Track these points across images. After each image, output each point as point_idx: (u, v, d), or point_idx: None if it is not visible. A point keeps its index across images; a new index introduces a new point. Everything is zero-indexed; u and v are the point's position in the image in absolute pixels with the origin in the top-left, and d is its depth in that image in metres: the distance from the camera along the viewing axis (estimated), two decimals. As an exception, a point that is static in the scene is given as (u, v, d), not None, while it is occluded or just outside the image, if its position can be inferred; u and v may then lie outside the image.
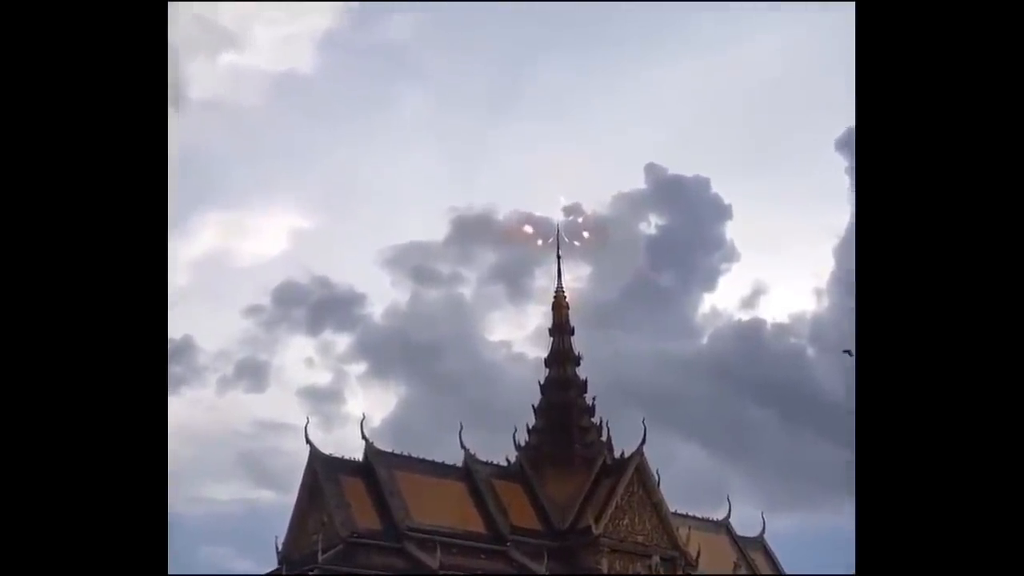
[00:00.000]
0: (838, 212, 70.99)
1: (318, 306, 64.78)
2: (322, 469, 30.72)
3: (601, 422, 35.13)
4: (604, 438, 34.71)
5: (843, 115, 78.27)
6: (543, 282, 39.94)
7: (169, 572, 10.98)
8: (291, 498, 31.70)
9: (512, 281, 60.22)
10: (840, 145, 63.08)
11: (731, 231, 65.87)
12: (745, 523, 37.78)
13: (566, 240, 37.96)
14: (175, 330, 67.46)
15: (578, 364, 36.06)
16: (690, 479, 52.80)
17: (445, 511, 31.24)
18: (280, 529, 31.25)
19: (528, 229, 40.10)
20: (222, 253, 70.97)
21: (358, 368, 76.15)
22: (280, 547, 30.77)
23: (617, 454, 34.11)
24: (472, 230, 59.57)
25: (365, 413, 33.94)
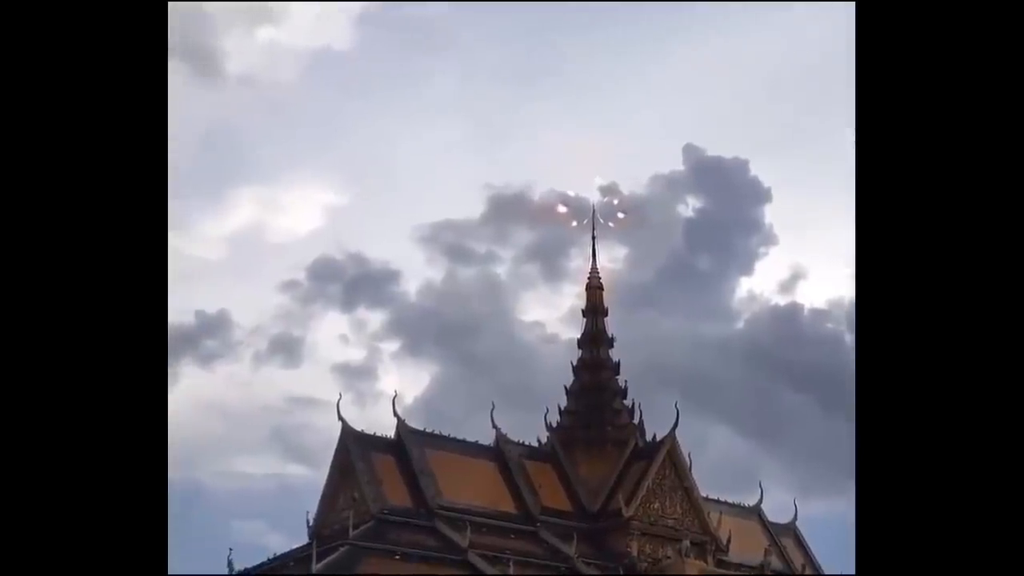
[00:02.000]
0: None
1: (353, 282, 64.94)
2: (354, 446, 30.78)
3: (634, 404, 34.98)
4: (636, 421, 34.54)
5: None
6: (578, 262, 39.70)
7: (202, 544, 11.05)
8: (323, 474, 31.88)
9: (547, 261, 60.01)
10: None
11: (770, 214, 65.17)
12: (777, 509, 37.60)
13: (601, 221, 37.73)
14: (211, 304, 68.01)
15: (611, 346, 35.88)
16: (723, 464, 52.67)
17: (476, 490, 31.27)
18: (311, 504, 31.41)
19: (563, 209, 39.83)
20: (257, 228, 71.15)
21: (392, 346, 76.40)
22: (311, 522, 30.85)
23: (649, 437, 33.96)
24: (508, 208, 59.35)
25: (397, 391, 33.67)
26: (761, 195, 63.63)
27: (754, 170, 63.07)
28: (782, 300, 67.54)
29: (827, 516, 46.31)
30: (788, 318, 62.76)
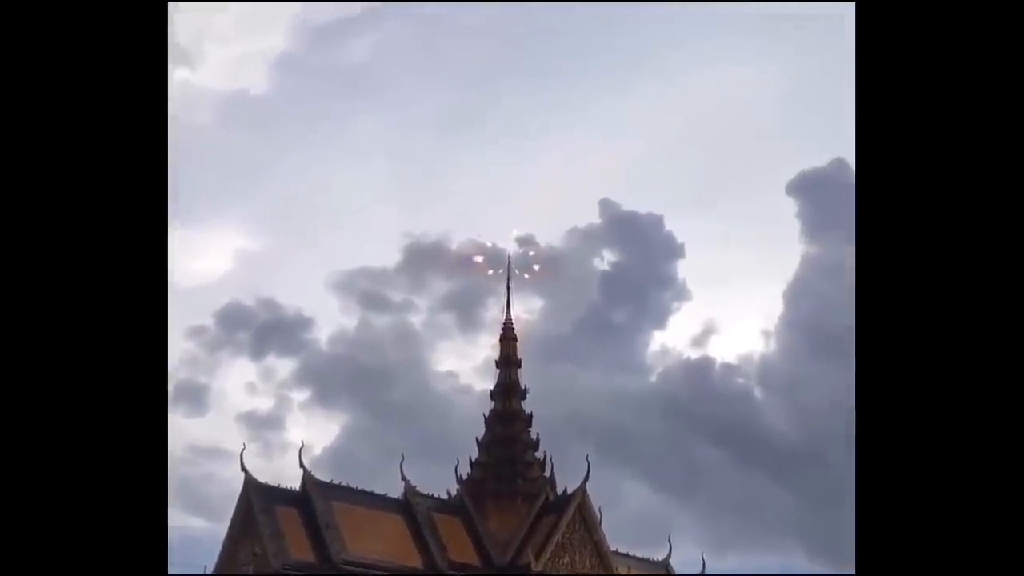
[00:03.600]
0: (788, 255, 71.58)
1: (263, 329, 63.99)
2: (256, 498, 30.00)
3: (545, 457, 34.80)
4: (548, 474, 34.35)
5: (795, 159, 79.26)
6: (494, 313, 39.51)
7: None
8: (224, 527, 30.95)
9: (464, 311, 59.87)
10: (791, 189, 63.85)
11: (683, 270, 66.01)
12: (688, 563, 37.49)
13: (516, 272, 37.68)
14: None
15: (524, 397, 35.70)
16: (636, 517, 52.56)
17: (382, 545, 30.62)
18: (211, 558, 30.46)
19: (478, 258, 39.71)
20: (166, 272, 69.55)
21: (301, 395, 75.05)
22: (210, 577, 30.01)
23: (562, 490, 33.76)
24: (425, 257, 59.21)
25: (305, 441, 33.07)
26: (675, 250, 64.54)
27: (668, 225, 63.97)
28: (694, 354, 68.03)
29: (741, 570, 46.50)
30: (700, 372, 63.47)
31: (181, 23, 61.88)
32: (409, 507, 32.24)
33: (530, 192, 66.45)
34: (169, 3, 11.49)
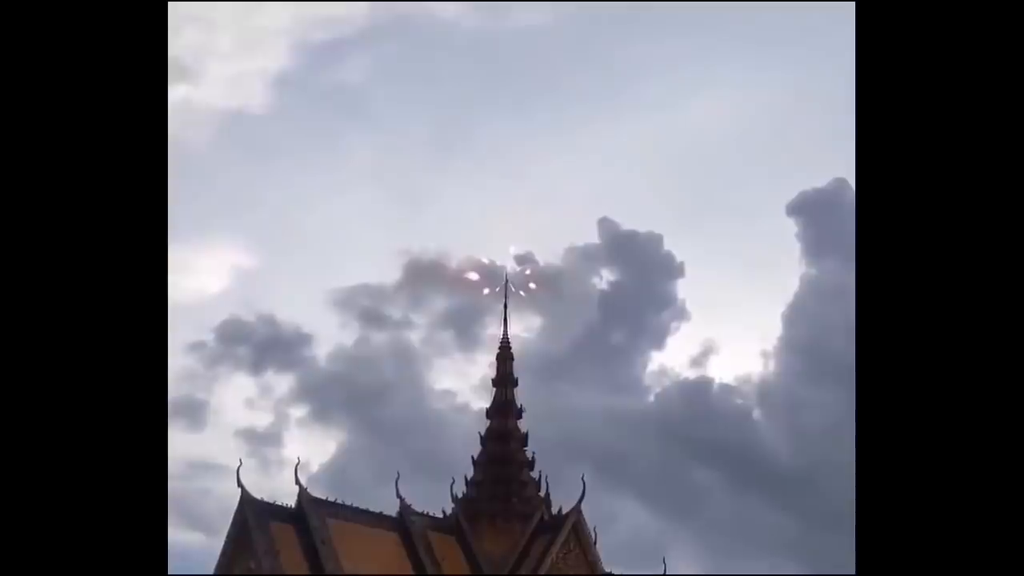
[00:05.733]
0: (788, 276, 71.43)
1: (262, 345, 63.71)
2: (252, 514, 29.91)
3: (540, 476, 34.69)
4: (543, 493, 34.23)
5: (796, 179, 79.35)
6: (493, 331, 39.46)
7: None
8: (219, 543, 30.80)
9: (462, 329, 59.64)
10: (791, 210, 63.75)
11: (682, 290, 65.91)
12: (682, 585, 37.35)
13: (513, 289, 37.64)
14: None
15: (519, 416, 35.62)
16: (631, 538, 52.36)
17: (376, 562, 30.52)
18: (206, 573, 30.33)
19: (474, 276, 39.70)
20: (164, 288, 69.45)
21: (299, 411, 74.93)
22: (204, 593, 29.90)
23: (556, 510, 33.65)
24: (424, 274, 58.97)
25: (301, 458, 33.08)
26: (674, 270, 64.44)
27: (668, 245, 63.92)
28: (692, 375, 67.86)
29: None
30: (698, 393, 63.20)
31: (182, 40, 62.08)
32: (404, 525, 32.16)
33: (529, 211, 66.50)
34: (169, 17, 11.50)
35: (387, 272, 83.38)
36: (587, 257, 63.32)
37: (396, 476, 32.93)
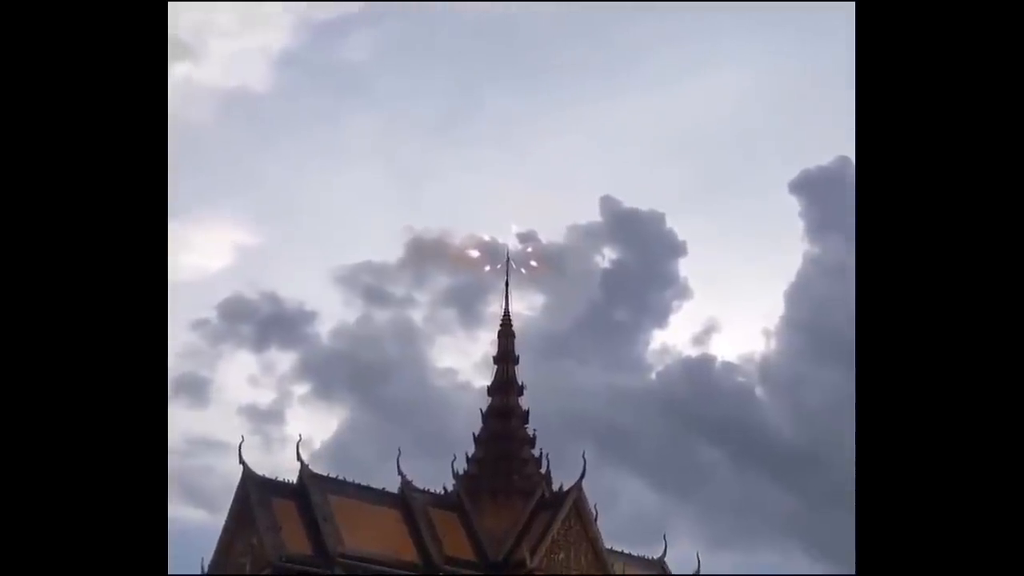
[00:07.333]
0: (790, 255, 71.39)
1: (265, 323, 63.69)
2: (254, 490, 30.04)
3: (541, 454, 34.78)
4: (544, 470, 34.32)
5: (798, 158, 79.22)
6: (495, 309, 39.43)
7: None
8: (221, 519, 31.03)
9: (465, 306, 59.64)
10: (794, 188, 63.60)
11: (684, 268, 65.84)
12: (684, 562, 37.46)
13: (514, 267, 37.62)
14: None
15: (521, 394, 35.68)
16: (633, 515, 52.51)
17: (378, 538, 30.67)
18: (208, 550, 30.49)
19: (475, 253, 39.68)
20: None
21: (302, 388, 75.06)
22: (206, 568, 29.99)
23: (557, 487, 33.76)
24: (426, 252, 58.93)
25: (303, 435, 33.12)
26: (676, 248, 64.32)
27: (670, 223, 63.80)
28: (694, 353, 67.82)
29: (738, 569, 46.43)
30: (700, 371, 63.21)
31: (184, 17, 61.82)
32: (405, 502, 32.27)
33: (531, 189, 66.28)
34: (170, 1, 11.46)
35: (390, 250, 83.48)
36: (589, 235, 63.28)
37: (398, 453, 33.12)
